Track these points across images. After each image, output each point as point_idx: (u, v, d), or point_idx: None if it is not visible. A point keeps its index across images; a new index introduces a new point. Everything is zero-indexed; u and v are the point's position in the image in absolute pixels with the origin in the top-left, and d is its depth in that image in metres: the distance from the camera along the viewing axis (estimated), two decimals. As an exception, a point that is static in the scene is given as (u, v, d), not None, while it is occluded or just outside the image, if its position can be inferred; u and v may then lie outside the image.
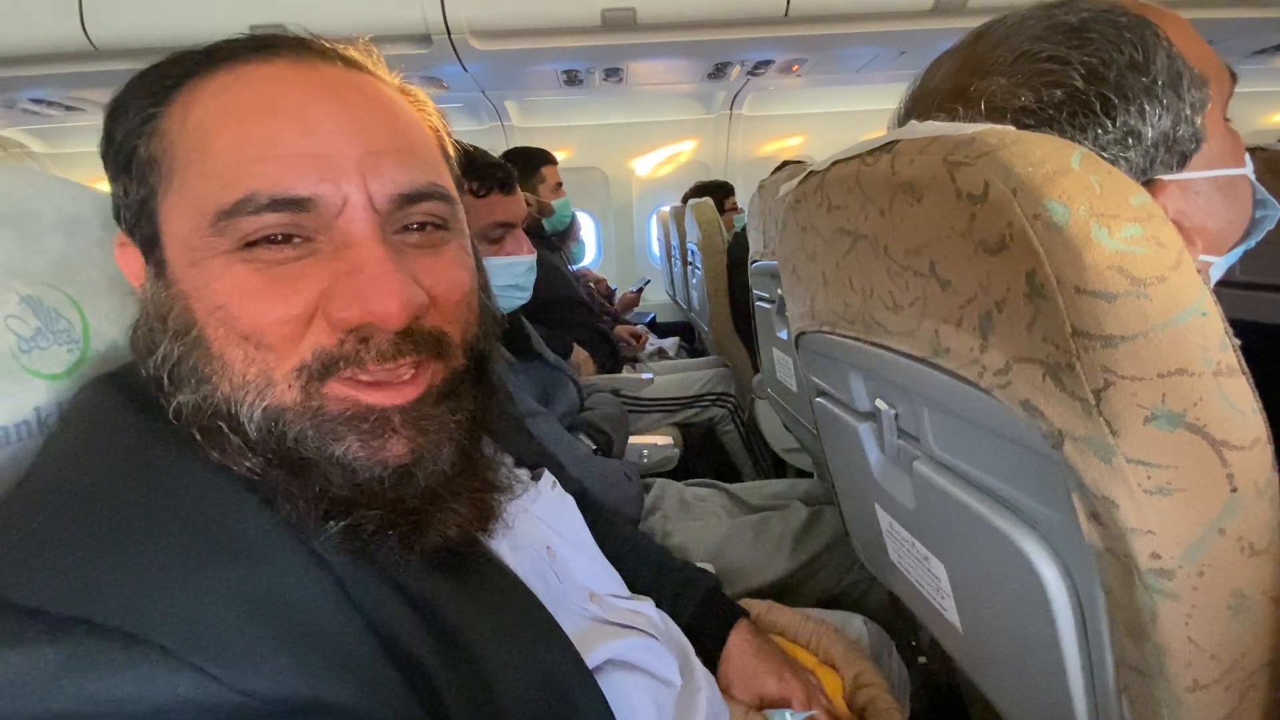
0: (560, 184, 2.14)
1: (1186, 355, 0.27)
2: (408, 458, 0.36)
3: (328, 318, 0.34)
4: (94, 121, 2.70)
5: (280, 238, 0.34)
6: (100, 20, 1.87)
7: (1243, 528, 0.28)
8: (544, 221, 2.09)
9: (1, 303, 0.42)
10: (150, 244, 0.37)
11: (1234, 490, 0.27)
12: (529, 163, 2.04)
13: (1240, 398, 0.27)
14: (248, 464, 0.34)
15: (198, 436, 0.34)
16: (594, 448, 1.17)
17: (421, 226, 0.38)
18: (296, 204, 0.33)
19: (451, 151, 0.44)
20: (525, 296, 1.07)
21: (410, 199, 0.37)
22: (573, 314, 1.92)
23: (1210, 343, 0.27)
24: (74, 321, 0.47)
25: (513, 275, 1.02)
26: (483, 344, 0.42)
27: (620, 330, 2.38)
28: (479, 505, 0.40)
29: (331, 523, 0.34)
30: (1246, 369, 0.28)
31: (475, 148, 1.02)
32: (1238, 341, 0.28)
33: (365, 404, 0.35)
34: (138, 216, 0.37)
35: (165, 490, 0.32)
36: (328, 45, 0.39)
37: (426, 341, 0.37)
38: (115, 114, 0.37)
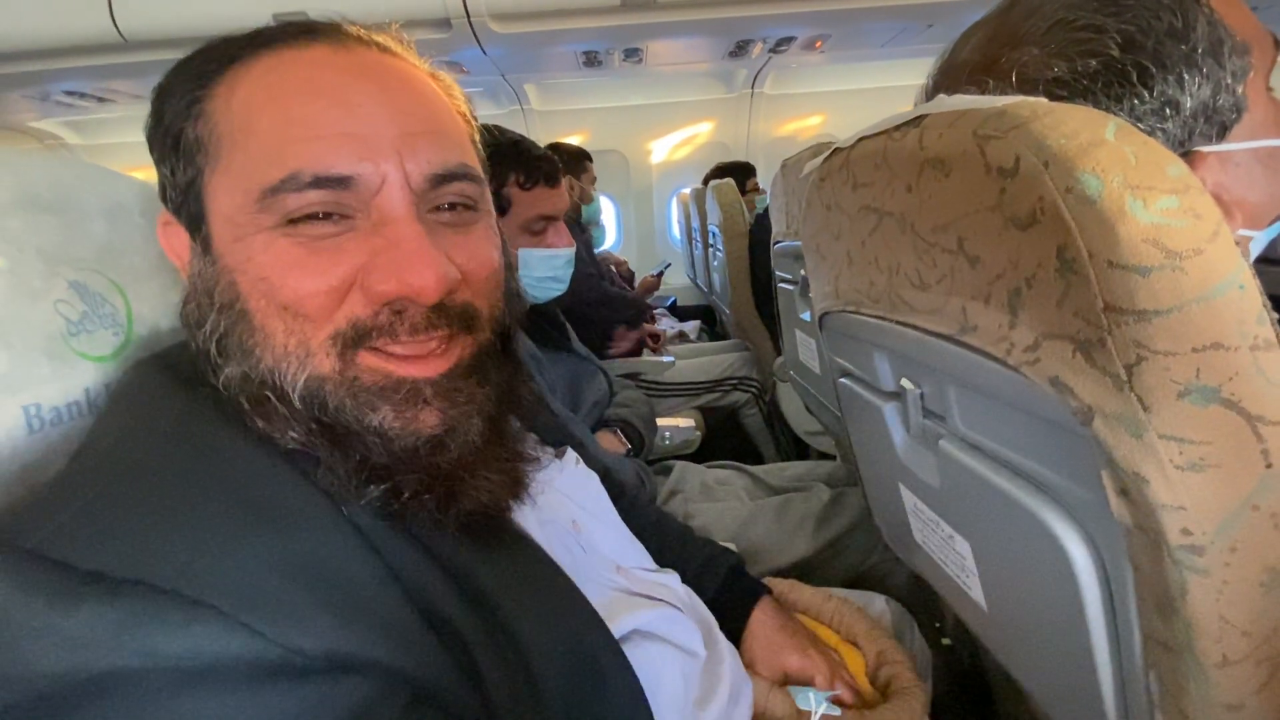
0: (595, 180, 2.29)
1: (1223, 329, 0.26)
2: (440, 428, 0.37)
3: (365, 290, 0.36)
4: (126, 113, 2.75)
5: (321, 214, 0.35)
6: (129, 12, 1.90)
7: (1277, 504, 0.28)
8: (583, 209, 2.19)
9: (51, 288, 0.43)
10: (196, 222, 0.38)
11: (1269, 466, 0.27)
12: (574, 154, 2.20)
13: (1278, 372, 0.27)
14: (292, 433, 0.36)
15: (246, 406, 0.36)
16: (628, 447, 1.18)
17: (453, 206, 0.39)
18: (338, 182, 0.35)
19: (478, 138, 0.45)
20: (562, 288, 1.07)
21: (443, 179, 0.38)
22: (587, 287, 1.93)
23: (1247, 316, 0.27)
24: (118, 306, 0.48)
25: (552, 267, 1.03)
26: (508, 320, 0.43)
27: (645, 329, 2.36)
28: (509, 474, 0.41)
29: (372, 487, 0.35)
30: (1285, 343, 0.27)
31: (522, 138, 1.02)
32: (1276, 315, 0.27)
33: (397, 376, 0.36)
34: (184, 196, 0.38)
35: (210, 462, 0.33)
36: (363, 32, 0.40)
37: (457, 316, 0.38)
38: (162, 97, 0.39)
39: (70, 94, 2.44)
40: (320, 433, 0.36)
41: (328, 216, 0.35)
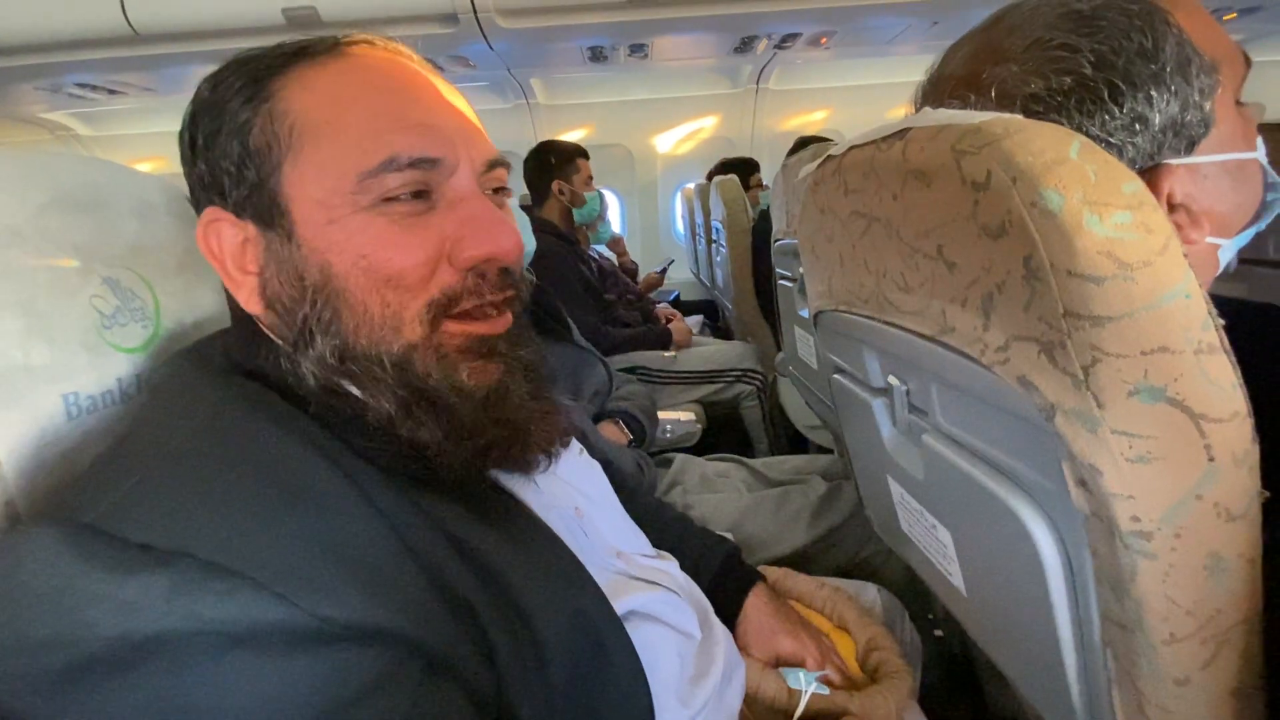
0: (591, 178, 2.16)
1: (1169, 334, 0.29)
2: (500, 378, 0.43)
3: (454, 259, 0.41)
4: (135, 105, 2.78)
5: (408, 195, 0.40)
6: (140, 6, 1.92)
7: (1219, 494, 0.30)
8: (574, 212, 2.09)
9: (86, 283, 0.46)
10: (271, 214, 0.41)
11: (1211, 460, 0.30)
12: (564, 154, 2.07)
13: (1220, 374, 0.29)
14: (390, 404, 0.40)
15: (353, 368, 0.40)
16: (630, 438, 1.20)
17: (496, 190, 0.46)
18: (430, 163, 0.41)
19: None
20: None
21: (494, 164, 0.45)
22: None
23: (1193, 323, 0.29)
24: (147, 300, 0.51)
25: None
26: (527, 297, 0.48)
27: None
28: (555, 424, 0.47)
29: (465, 443, 0.41)
30: (1229, 348, 0.30)
31: None
32: (1222, 322, 0.30)
33: (478, 335, 0.42)
34: (252, 193, 0.41)
35: (244, 448, 0.36)
36: (403, 47, 0.46)
37: (515, 279, 0.44)
38: (222, 100, 0.41)
39: (81, 86, 2.46)
40: (411, 399, 0.40)
41: (414, 196, 0.40)
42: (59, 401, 0.43)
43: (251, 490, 0.33)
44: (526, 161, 2.08)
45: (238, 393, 0.39)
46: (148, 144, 3.22)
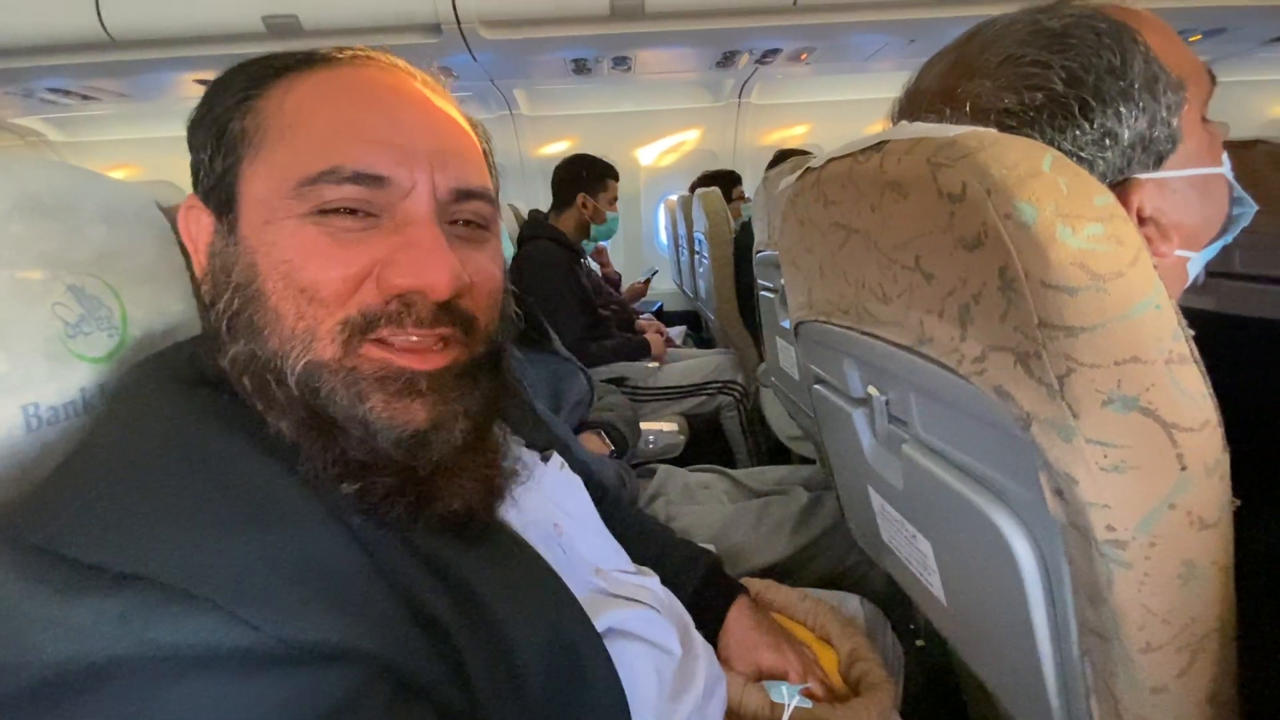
0: (616, 199, 2.18)
1: (1141, 345, 0.29)
2: (426, 424, 0.39)
3: (380, 283, 0.38)
4: (109, 111, 2.73)
5: (350, 210, 0.38)
6: (116, 11, 1.90)
7: (1192, 503, 0.30)
8: (592, 228, 2.12)
9: (49, 291, 0.45)
10: (225, 206, 0.41)
11: (1183, 469, 0.30)
12: (597, 171, 2.09)
13: (1191, 384, 0.30)
14: (284, 422, 0.38)
15: (248, 385, 0.38)
16: (612, 448, 1.20)
17: (468, 223, 0.43)
18: (374, 180, 0.38)
19: (497, 181, 0.49)
20: None
21: (465, 195, 0.42)
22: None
23: (1163, 333, 0.29)
24: (113, 309, 0.50)
25: None
26: (501, 338, 0.45)
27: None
28: (484, 483, 0.43)
29: (346, 484, 0.37)
30: (1199, 358, 0.30)
31: None
32: (1191, 332, 0.30)
33: (397, 365, 0.39)
34: (217, 182, 0.41)
35: (205, 463, 0.35)
36: (410, 66, 0.45)
37: (459, 319, 0.41)
38: (215, 92, 0.42)
39: (55, 91, 2.42)
40: (308, 421, 0.38)
41: (355, 213, 0.38)
42: (18, 413, 0.42)
43: (211, 508, 0.32)
44: (558, 169, 2.11)
45: (200, 404, 0.38)
46: (121, 150, 3.16)
